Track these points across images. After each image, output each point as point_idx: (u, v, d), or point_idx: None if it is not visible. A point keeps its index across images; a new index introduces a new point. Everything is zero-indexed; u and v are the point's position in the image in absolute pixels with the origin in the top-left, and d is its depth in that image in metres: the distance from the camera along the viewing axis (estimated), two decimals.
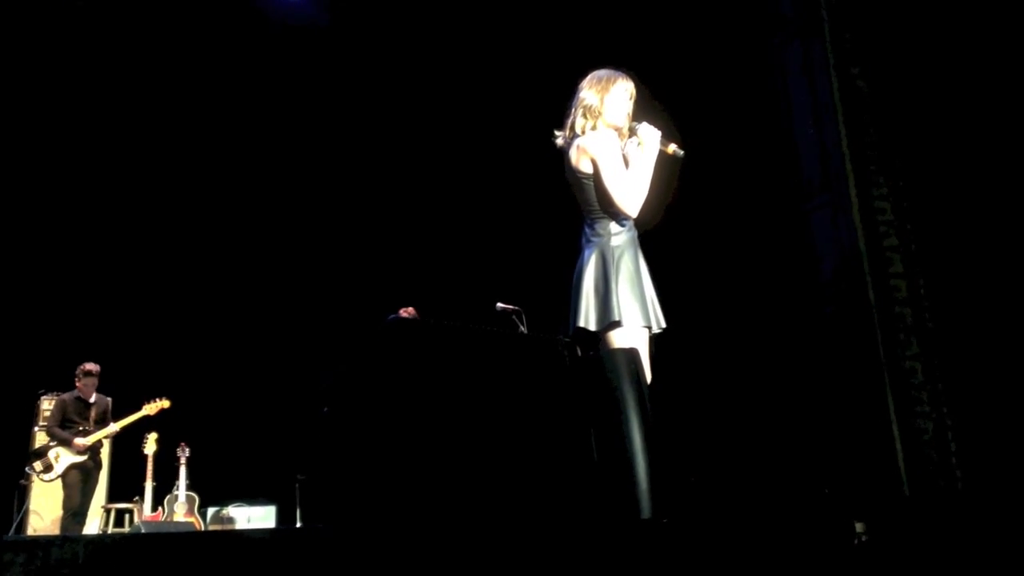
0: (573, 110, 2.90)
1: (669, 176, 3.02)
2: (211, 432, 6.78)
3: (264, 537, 2.22)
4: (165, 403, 6.28)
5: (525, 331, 4.80)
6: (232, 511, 6.71)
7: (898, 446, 3.70)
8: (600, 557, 2.39)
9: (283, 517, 6.69)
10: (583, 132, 2.86)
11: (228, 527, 6.58)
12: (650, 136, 2.84)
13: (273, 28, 6.39)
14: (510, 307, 4.90)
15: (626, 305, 2.78)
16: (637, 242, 2.91)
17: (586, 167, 2.82)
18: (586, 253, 2.88)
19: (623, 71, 2.95)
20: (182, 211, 7.15)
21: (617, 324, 2.80)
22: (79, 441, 5.95)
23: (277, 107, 6.84)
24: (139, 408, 6.27)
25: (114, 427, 6.08)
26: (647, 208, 2.85)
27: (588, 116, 2.84)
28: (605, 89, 2.86)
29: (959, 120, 4.11)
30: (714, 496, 4.60)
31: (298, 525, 6.24)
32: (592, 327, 2.83)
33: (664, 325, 2.94)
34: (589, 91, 2.87)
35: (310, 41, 6.46)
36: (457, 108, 6.67)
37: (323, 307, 6.99)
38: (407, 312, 5.68)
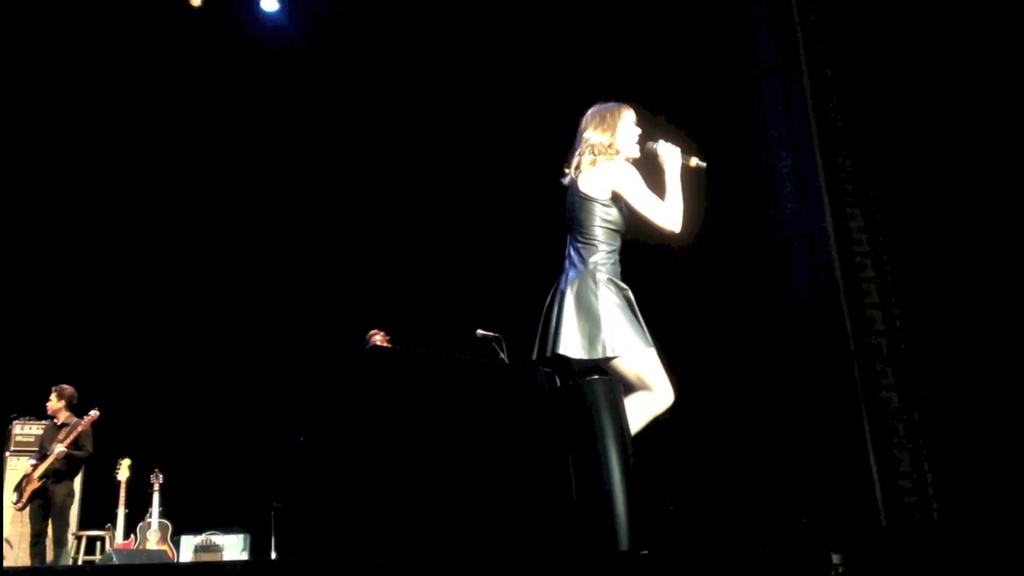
0: (581, 149, 2.88)
1: (697, 189, 3.02)
2: (186, 459, 6.69)
3: (237, 568, 2.19)
4: (94, 413, 6.14)
5: (505, 358, 4.80)
6: (217, 539, 6.59)
7: (875, 476, 3.72)
8: None
9: (257, 546, 6.59)
10: (592, 166, 2.85)
11: (215, 555, 6.46)
12: (670, 153, 2.84)
13: (253, 48, 6.40)
14: (490, 334, 4.89)
15: (622, 336, 2.76)
16: (619, 268, 2.91)
17: (596, 191, 2.80)
18: (571, 274, 2.84)
19: (616, 101, 2.96)
20: (157, 236, 7.10)
21: (614, 357, 2.77)
22: (35, 464, 5.94)
23: (248, 131, 6.82)
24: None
25: (59, 448, 5.96)
26: (684, 224, 2.83)
27: (599, 153, 2.83)
28: (613, 126, 2.87)
29: (933, 154, 4.20)
30: (693, 526, 4.59)
31: (272, 555, 6.16)
32: (581, 355, 2.78)
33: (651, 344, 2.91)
34: (595, 131, 2.87)
35: (284, 65, 6.47)
36: (434, 132, 6.69)
37: (301, 334, 6.94)
38: (379, 336, 5.63)
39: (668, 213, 2.77)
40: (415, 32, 6.29)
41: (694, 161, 2.88)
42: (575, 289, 2.80)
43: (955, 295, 3.93)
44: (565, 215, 2.97)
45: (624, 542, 2.91)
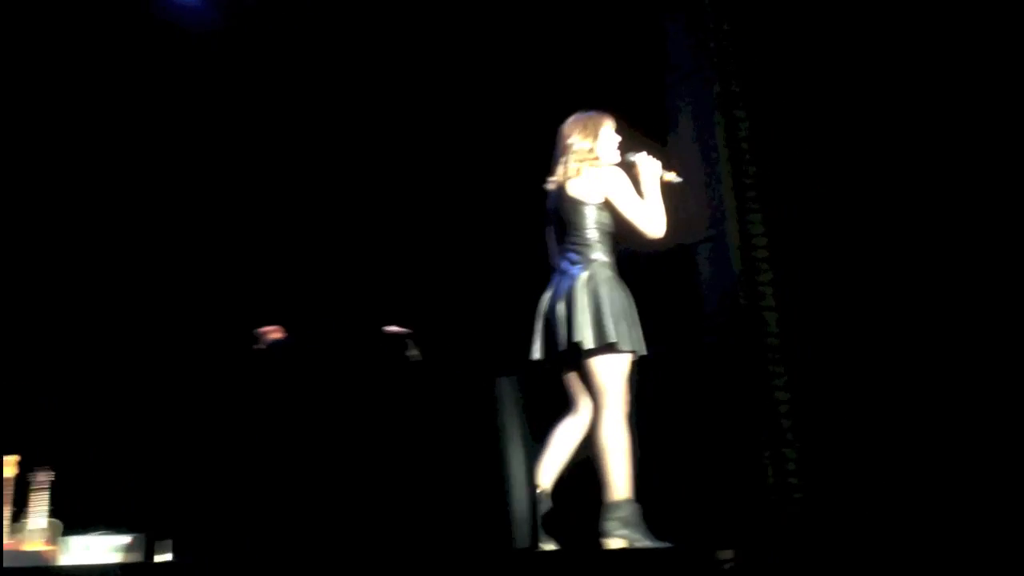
0: (566, 156, 3.01)
1: (669, 204, 3.08)
2: (76, 456, 6.39)
3: (131, 569, 2.12)
4: None
5: (414, 355, 4.77)
6: (110, 540, 6.30)
7: (769, 473, 3.86)
8: None
9: (151, 546, 6.36)
10: (579, 173, 2.93)
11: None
12: (650, 165, 2.98)
13: (167, 30, 6.16)
14: (400, 330, 4.85)
15: (621, 332, 2.87)
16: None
17: (587, 195, 2.98)
18: (575, 271, 2.92)
19: (597, 110, 3.01)
20: (47, 223, 6.74)
21: (612, 347, 2.85)
22: None
23: (157, 117, 6.55)
24: None
25: None
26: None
27: (583, 159, 2.97)
28: (595, 134, 3.07)
29: (831, 165, 4.39)
30: (593, 523, 4.65)
31: (168, 556, 5.96)
32: (589, 344, 2.86)
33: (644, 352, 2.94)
34: (578, 138, 3.03)
35: (201, 49, 6.25)
36: (347, 122, 6.56)
37: (195, 328, 6.69)
38: (267, 331, 5.47)
39: (654, 219, 2.96)
40: (338, 17, 6.17)
41: (669, 176, 3.00)
42: (586, 282, 2.91)
43: (845, 300, 4.12)
44: (552, 221, 2.99)
45: (523, 540, 2.94)
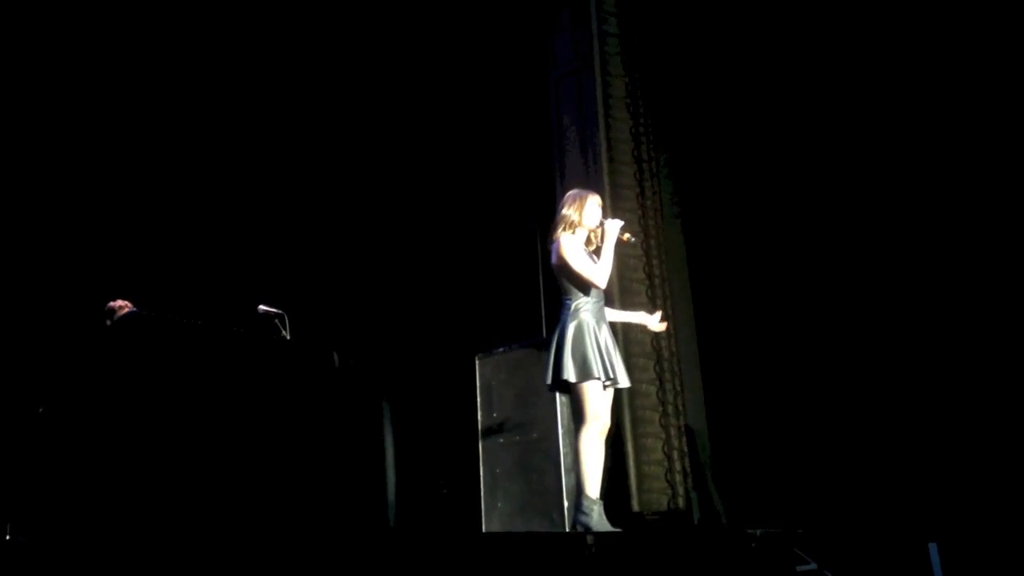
0: (558, 222, 3.63)
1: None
2: None
3: None
4: None
5: (287, 336, 4.65)
6: None
7: (630, 463, 4.02)
8: (340, 566, 2.36)
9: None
10: (556, 238, 3.61)
11: None
12: (611, 227, 3.61)
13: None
14: (273, 310, 4.70)
15: (582, 366, 3.37)
16: (600, 310, 3.55)
17: (556, 258, 3.60)
18: (562, 314, 3.53)
19: (590, 190, 3.72)
20: None
21: (586, 379, 3.35)
22: None
23: None
24: None
25: None
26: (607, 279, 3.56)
27: (568, 228, 3.59)
28: (581, 206, 3.64)
29: (708, 166, 4.61)
30: (466, 507, 4.70)
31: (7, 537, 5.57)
32: (569, 379, 3.35)
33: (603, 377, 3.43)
34: (569, 209, 3.64)
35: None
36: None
37: (39, 298, 6.21)
38: (120, 305, 5.13)
39: (596, 272, 3.53)
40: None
41: (626, 236, 3.62)
42: (564, 325, 3.46)
43: (718, 300, 4.34)
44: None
45: (392, 519, 2.94)
